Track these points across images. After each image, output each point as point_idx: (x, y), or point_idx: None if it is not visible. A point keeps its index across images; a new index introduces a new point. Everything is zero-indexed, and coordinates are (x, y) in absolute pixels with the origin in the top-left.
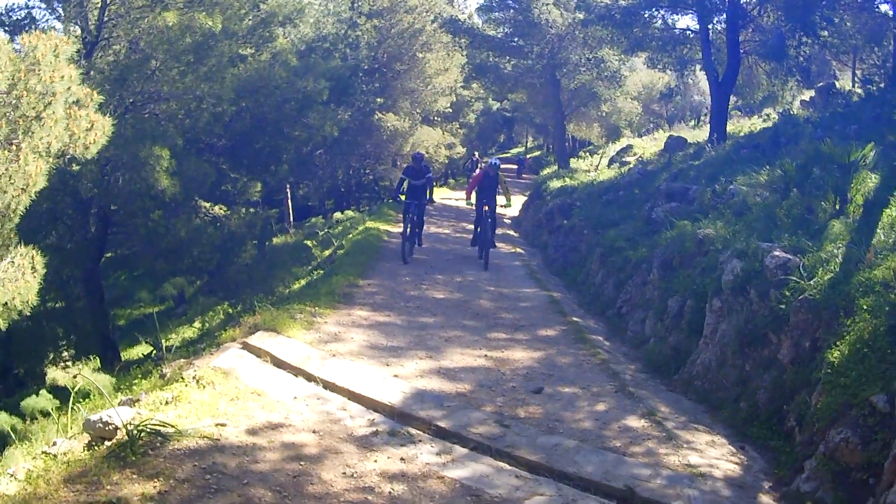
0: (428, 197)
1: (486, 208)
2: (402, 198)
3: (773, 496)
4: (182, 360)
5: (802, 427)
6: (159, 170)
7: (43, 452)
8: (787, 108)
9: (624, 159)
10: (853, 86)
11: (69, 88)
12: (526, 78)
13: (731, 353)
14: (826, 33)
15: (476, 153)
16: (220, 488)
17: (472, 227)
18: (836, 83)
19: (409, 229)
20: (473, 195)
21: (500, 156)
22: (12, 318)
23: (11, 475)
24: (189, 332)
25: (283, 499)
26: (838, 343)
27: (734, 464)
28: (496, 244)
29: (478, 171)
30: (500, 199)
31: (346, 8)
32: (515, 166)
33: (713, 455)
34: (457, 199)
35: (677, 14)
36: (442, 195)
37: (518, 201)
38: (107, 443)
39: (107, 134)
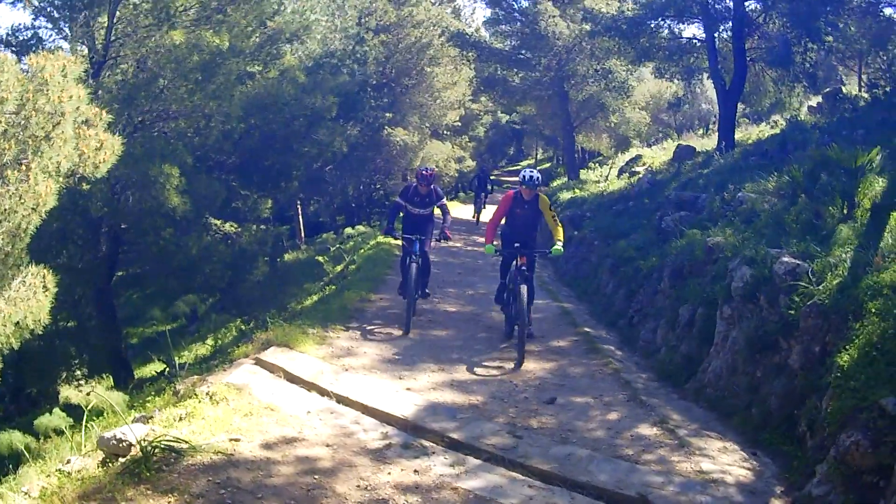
0: (440, 233)
1: (522, 261)
2: (397, 232)
3: (785, 501)
4: (195, 376)
5: (813, 432)
6: (169, 188)
7: (57, 470)
8: (795, 115)
9: (633, 169)
10: (859, 90)
11: (78, 108)
12: (534, 90)
13: (741, 360)
14: (831, 39)
15: (486, 167)
16: (234, 503)
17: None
18: (843, 88)
19: (410, 279)
20: (497, 236)
21: (509, 168)
22: (25, 338)
23: (26, 493)
24: (202, 350)
25: None
26: (848, 347)
27: (746, 470)
28: (532, 331)
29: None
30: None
31: (354, 24)
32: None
33: (725, 461)
34: (467, 215)
35: (683, 23)
36: (452, 208)
37: None
38: (121, 459)
39: (116, 153)
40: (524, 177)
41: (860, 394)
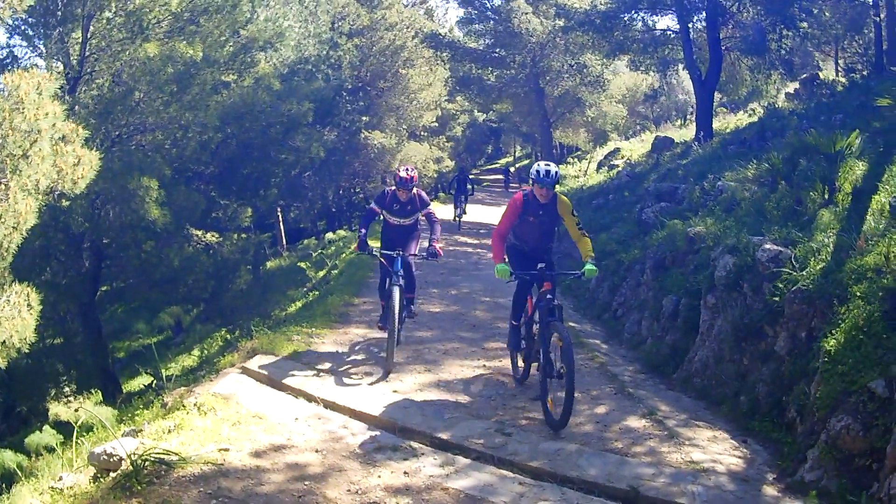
0: (427, 250)
1: (546, 287)
2: (374, 251)
3: (778, 488)
4: (182, 388)
5: (803, 417)
6: (149, 201)
7: (50, 487)
8: (772, 102)
9: (612, 163)
10: (836, 75)
11: (54, 125)
12: (510, 88)
13: (728, 348)
14: (806, 25)
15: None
16: None
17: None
18: (820, 74)
19: (392, 309)
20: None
21: (488, 167)
22: (11, 357)
23: None
24: (188, 361)
25: None
26: (834, 331)
27: (737, 458)
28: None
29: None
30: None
31: (327, 29)
32: (502, 177)
33: (716, 450)
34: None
35: (657, 15)
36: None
37: None
38: (112, 474)
39: (94, 168)
40: (539, 173)
41: (848, 378)
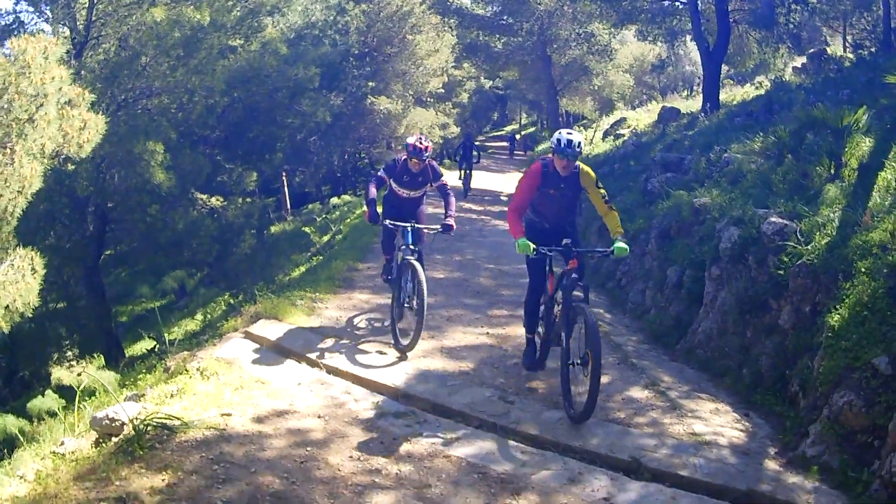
0: (442, 223)
1: (571, 265)
2: (387, 222)
3: (779, 462)
4: (185, 352)
5: (806, 392)
6: (154, 164)
7: (51, 452)
8: (779, 76)
9: (618, 132)
10: (844, 51)
11: (60, 89)
12: (517, 55)
13: (731, 320)
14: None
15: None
16: (228, 478)
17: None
18: (828, 49)
19: (400, 292)
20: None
21: (493, 134)
22: (15, 321)
23: (21, 477)
24: (191, 325)
25: (291, 485)
26: (838, 307)
27: (739, 431)
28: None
29: (533, 163)
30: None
31: None
32: (507, 144)
33: (718, 423)
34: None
35: None
36: None
37: (515, 177)
38: (114, 439)
39: (100, 132)
40: (560, 142)
41: (852, 353)
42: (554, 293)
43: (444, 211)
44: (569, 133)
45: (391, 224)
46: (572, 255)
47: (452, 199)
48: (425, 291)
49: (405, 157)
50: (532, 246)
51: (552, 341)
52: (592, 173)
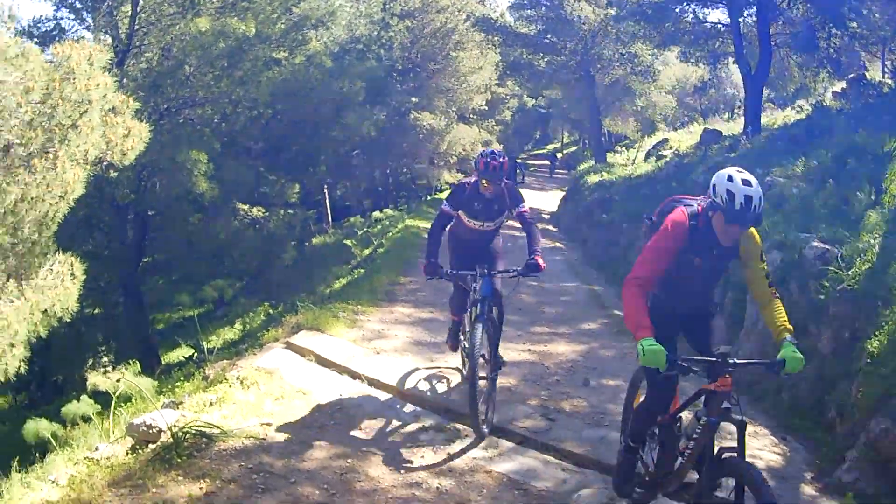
0: (528, 263)
1: (723, 386)
2: (451, 273)
3: (815, 487)
4: (224, 361)
5: (843, 418)
6: (197, 174)
7: (85, 458)
8: (819, 100)
9: (660, 153)
10: (883, 76)
11: (105, 96)
12: (560, 74)
13: (771, 344)
14: (855, 25)
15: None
16: (267, 488)
17: None
18: (867, 74)
19: (475, 351)
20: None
21: (535, 152)
22: (52, 325)
23: (53, 482)
24: (230, 334)
25: (331, 496)
26: (878, 333)
27: (776, 454)
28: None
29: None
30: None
31: (378, 9)
32: (548, 162)
33: (755, 446)
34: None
35: (708, 8)
36: None
37: (556, 196)
38: (151, 446)
39: (144, 140)
40: (734, 197)
41: (890, 381)
42: (677, 412)
43: (526, 247)
44: (745, 183)
45: (458, 274)
46: (726, 370)
47: (537, 232)
48: (481, 361)
49: (474, 178)
50: (665, 353)
51: (671, 485)
52: (759, 237)
